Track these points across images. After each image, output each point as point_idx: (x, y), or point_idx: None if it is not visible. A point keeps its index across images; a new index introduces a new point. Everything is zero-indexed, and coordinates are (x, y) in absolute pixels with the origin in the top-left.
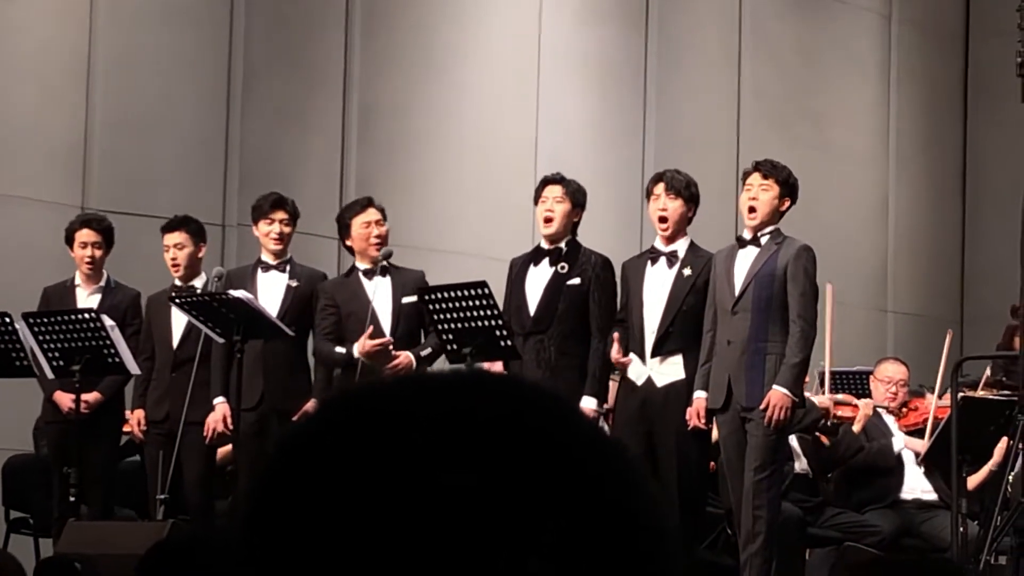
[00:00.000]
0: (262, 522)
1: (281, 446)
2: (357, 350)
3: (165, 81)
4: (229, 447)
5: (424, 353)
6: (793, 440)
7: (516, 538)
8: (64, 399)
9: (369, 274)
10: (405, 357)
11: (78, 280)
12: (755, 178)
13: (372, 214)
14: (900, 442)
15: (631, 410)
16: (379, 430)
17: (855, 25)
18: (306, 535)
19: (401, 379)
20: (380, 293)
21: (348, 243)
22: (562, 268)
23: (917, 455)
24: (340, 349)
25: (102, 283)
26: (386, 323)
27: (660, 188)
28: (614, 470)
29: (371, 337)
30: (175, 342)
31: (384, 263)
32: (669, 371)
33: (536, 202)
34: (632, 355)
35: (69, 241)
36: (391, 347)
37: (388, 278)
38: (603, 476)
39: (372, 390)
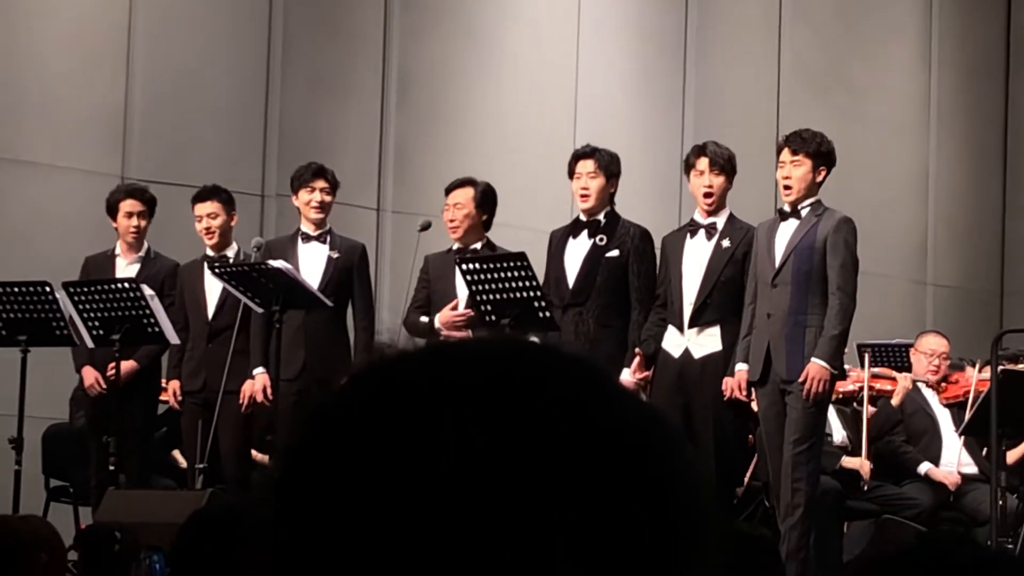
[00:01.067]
0: (293, 490)
1: (312, 415)
2: (438, 320)
3: (204, 51)
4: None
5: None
6: (832, 414)
7: (550, 505)
8: (89, 375)
9: (461, 253)
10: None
11: (118, 250)
12: (786, 155)
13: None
14: (926, 467)
15: (668, 381)
16: (410, 398)
17: None
18: (336, 503)
19: (433, 346)
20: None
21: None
22: (601, 240)
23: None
24: (424, 319)
25: (142, 253)
26: (463, 302)
27: (704, 163)
28: (653, 437)
29: (452, 309)
30: (210, 312)
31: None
32: (706, 342)
33: (571, 177)
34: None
35: (112, 211)
36: (466, 323)
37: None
38: (642, 444)
39: (403, 358)
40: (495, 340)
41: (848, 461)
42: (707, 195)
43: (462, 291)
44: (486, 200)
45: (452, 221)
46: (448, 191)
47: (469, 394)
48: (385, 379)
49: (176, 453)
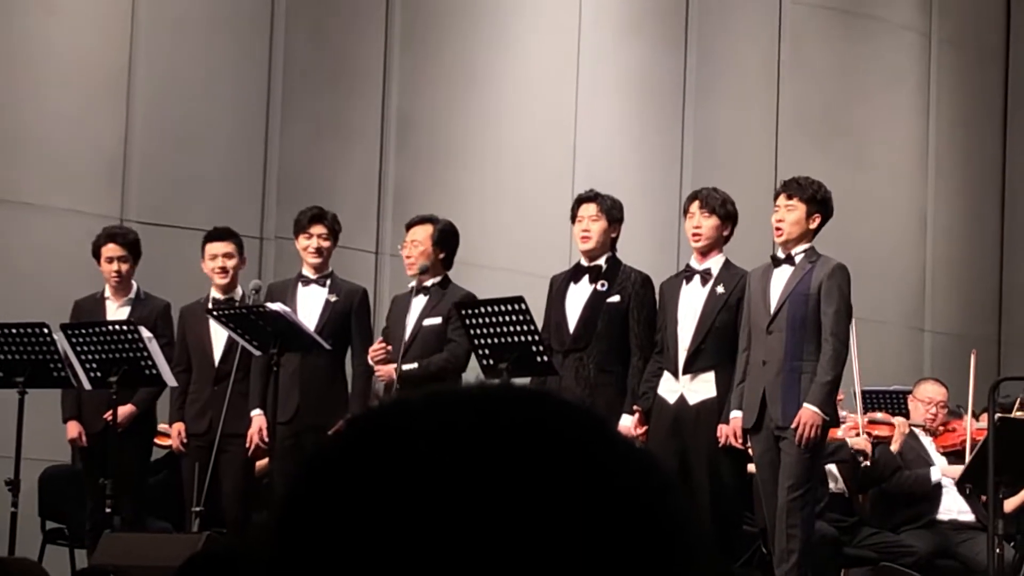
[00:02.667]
0: (290, 538)
1: (309, 462)
2: (368, 355)
3: (205, 93)
4: (267, 460)
5: (407, 367)
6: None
7: (548, 551)
8: (72, 429)
9: (416, 292)
10: (386, 372)
11: (107, 292)
12: (781, 199)
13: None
14: (938, 472)
15: (663, 427)
16: (406, 446)
17: (894, 43)
18: (333, 550)
19: (429, 393)
20: (413, 311)
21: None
22: (602, 286)
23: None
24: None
25: (131, 295)
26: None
27: (695, 206)
28: (647, 482)
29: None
30: (217, 355)
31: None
32: (701, 388)
33: (573, 221)
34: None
35: (96, 255)
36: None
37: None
38: (636, 488)
39: (399, 405)
40: (492, 387)
41: (854, 442)
42: (695, 235)
43: (410, 325)
44: (444, 238)
45: (408, 257)
46: (408, 227)
47: (466, 441)
48: (381, 426)
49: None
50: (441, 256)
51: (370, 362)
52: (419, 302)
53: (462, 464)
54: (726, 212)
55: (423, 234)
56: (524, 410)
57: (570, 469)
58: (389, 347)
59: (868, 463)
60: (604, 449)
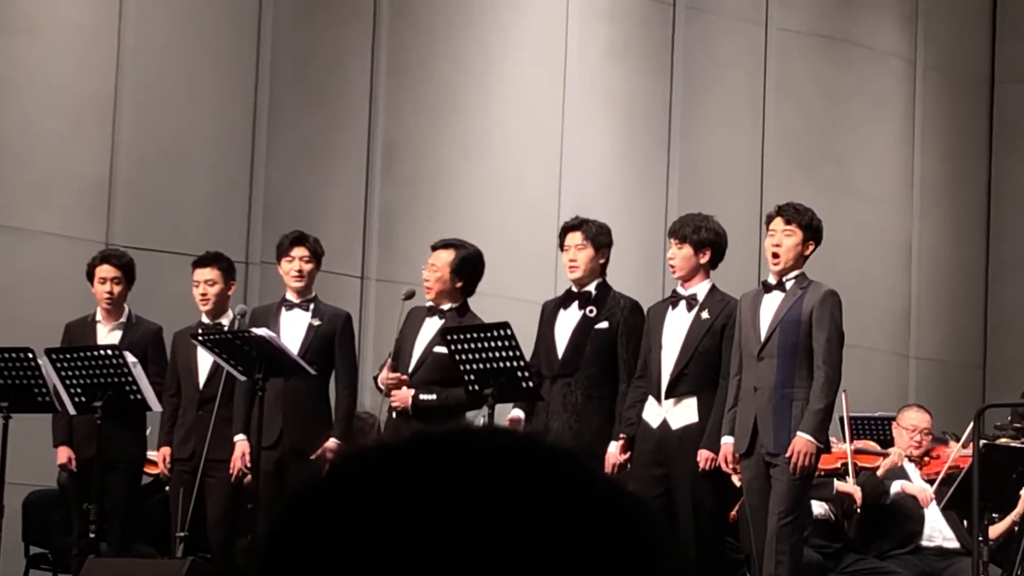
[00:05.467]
0: (276, 571)
1: (292, 500)
2: (379, 379)
3: (190, 117)
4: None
5: (424, 398)
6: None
7: None
8: (63, 454)
9: (431, 312)
10: (401, 397)
11: (99, 316)
12: (778, 223)
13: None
14: (898, 486)
15: (647, 451)
16: (390, 489)
17: (880, 69)
18: None
19: (415, 435)
20: (425, 333)
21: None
22: (591, 312)
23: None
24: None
25: (123, 319)
26: (414, 360)
27: (672, 239)
28: (637, 526)
29: (392, 371)
30: (201, 380)
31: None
32: (684, 413)
33: (561, 249)
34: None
35: (90, 276)
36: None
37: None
38: (619, 532)
39: (386, 445)
40: (478, 431)
41: (841, 485)
42: (672, 267)
43: (418, 350)
44: (464, 267)
45: (426, 280)
46: (433, 249)
47: (450, 486)
48: (367, 469)
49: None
50: (459, 284)
51: (381, 386)
52: (432, 325)
53: (449, 512)
54: (699, 239)
55: (443, 259)
56: (509, 457)
57: (560, 516)
58: (402, 376)
59: (859, 508)
60: (594, 495)
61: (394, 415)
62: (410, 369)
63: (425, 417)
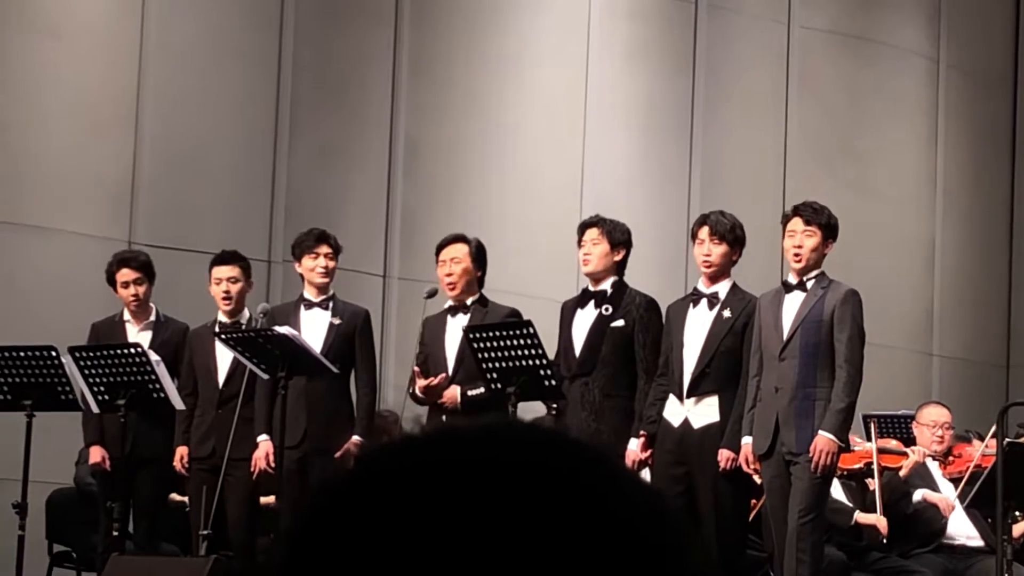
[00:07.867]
0: (299, 569)
1: (316, 497)
2: (418, 390)
3: (212, 117)
4: (272, 498)
5: (472, 392)
6: (836, 486)
7: None
8: (96, 453)
9: (453, 311)
10: (450, 396)
11: (127, 316)
12: (797, 223)
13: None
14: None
15: (668, 450)
16: (415, 485)
17: (903, 68)
18: None
19: (439, 430)
20: (452, 333)
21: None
22: (606, 310)
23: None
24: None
25: (151, 318)
26: (451, 361)
27: (704, 232)
28: (658, 522)
29: (424, 377)
30: (221, 378)
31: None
32: (705, 412)
33: (579, 246)
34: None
35: (110, 281)
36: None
37: (467, 316)
38: (646, 528)
39: (409, 441)
40: (501, 425)
41: (863, 517)
42: (706, 263)
43: (451, 351)
44: (481, 256)
45: (450, 275)
46: (441, 247)
47: (475, 481)
48: (391, 464)
49: (174, 495)
50: (479, 274)
51: (420, 395)
52: (457, 324)
53: (473, 506)
54: (735, 237)
55: (462, 252)
56: (532, 450)
57: (583, 511)
58: (444, 375)
59: (884, 540)
60: (617, 491)
61: (443, 418)
62: (449, 372)
63: (479, 411)
